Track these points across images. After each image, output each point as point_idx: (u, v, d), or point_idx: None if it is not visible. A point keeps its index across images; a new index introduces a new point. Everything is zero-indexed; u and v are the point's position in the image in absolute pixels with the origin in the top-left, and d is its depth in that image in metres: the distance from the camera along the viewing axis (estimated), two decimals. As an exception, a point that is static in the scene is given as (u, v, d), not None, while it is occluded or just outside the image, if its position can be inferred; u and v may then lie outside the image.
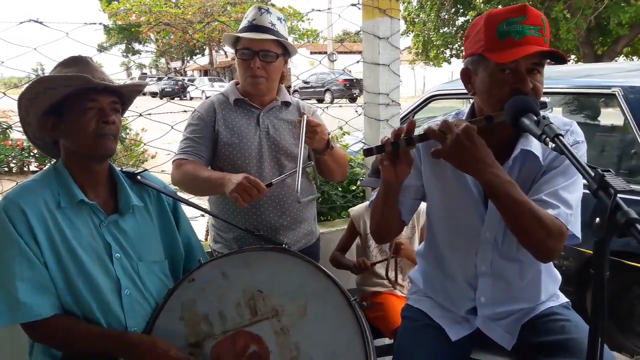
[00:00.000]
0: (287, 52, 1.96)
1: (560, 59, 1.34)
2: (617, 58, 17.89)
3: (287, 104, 2.04)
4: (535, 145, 1.36)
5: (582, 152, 1.39)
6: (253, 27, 1.89)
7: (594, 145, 3.33)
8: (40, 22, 1.93)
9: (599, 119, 3.45)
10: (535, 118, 1.15)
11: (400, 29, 2.48)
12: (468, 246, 1.49)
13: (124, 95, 1.50)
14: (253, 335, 1.42)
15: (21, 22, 1.90)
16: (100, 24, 2.05)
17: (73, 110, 1.38)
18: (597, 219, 0.90)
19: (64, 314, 1.37)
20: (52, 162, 1.50)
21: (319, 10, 2.64)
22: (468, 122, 1.29)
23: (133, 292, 1.46)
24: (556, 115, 1.51)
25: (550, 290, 1.53)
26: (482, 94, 1.38)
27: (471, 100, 1.51)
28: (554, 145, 1.06)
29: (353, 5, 2.49)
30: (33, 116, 1.40)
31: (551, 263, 1.52)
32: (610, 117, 3.31)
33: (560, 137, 1.05)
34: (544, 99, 1.35)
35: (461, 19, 19.54)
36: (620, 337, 2.87)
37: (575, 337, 1.38)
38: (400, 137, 1.31)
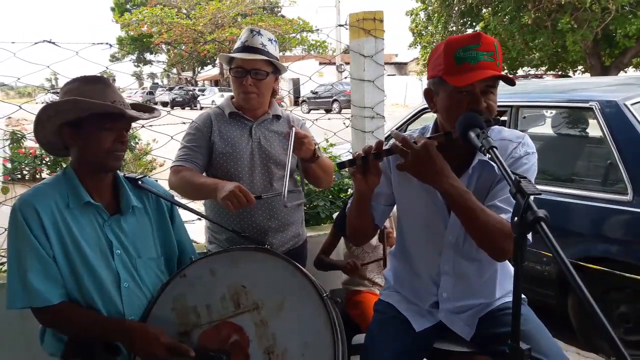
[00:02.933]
0: (277, 70, 2.14)
1: (511, 82, 1.50)
2: (625, 69, 17.90)
3: (277, 117, 2.22)
4: None
5: (532, 162, 1.55)
6: (245, 48, 2.07)
7: (575, 155, 3.48)
8: (53, 43, 2.13)
9: (584, 131, 3.59)
10: (478, 132, 1.32)
11: (384, 48, 2.66)
12: (433, 247, 1.65)
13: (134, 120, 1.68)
14: (235, 325, 1.58)
15: (35, 43, 2.10)
16: (107, 43, 2.25)
17: (94, 126, 1.54)
18: (516, 218, 1.06)
19: (69, 302, 1.54)
20: (62, 168, 1.68)
21: (311, 31, 2.82)
22: (428, 138, 1.46)
23: (131, 285, 1.62)
24: (511, 129, 1.67)
25: (506, 287, 1.68)
26: (442, 112, 1.55)
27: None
28: (489, 155, 1.23)
29: (341, 25, 2.68)
30: (52, 124, 1.55)
31: (507, 262, 1.67)
32: (590, 129, 3.45)
33: (494, 149, 1.22)
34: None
35: (469, 31, 19.70)
36: (598, 339, 2.99)
37: (526, 328, 1.52)
38: (369, 153, 1.48)
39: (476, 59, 1.44)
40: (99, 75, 1.67)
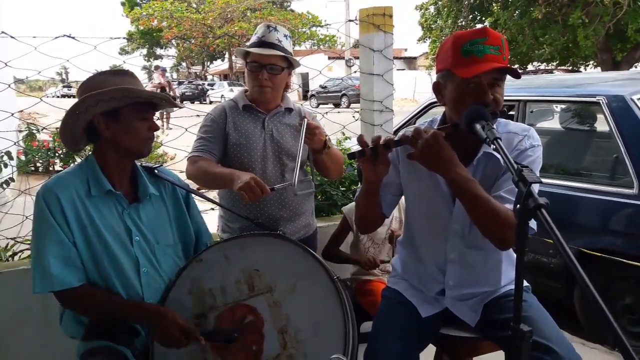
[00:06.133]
0: (291, 65, 2.21)
1: (516, 75, 1.55)
2: (637, 64, 17.74)
3: (290, 110, 2.28)
4: None
5: (537, 155, 1.60)
6: (262, 43, 2.14)
7: (582, 149, 3.51)
8: (73, 37, 2.21)
9: (591, 125, 3.62)
10: (484, 124, 1.38)
11: (393, 43, 2.72)
12: (439, 236, 1.71)
13: (158, 107, 1.76)
14: (250, 307, 1.65)
15: (56, 37, 2.17)
16: (124, 38, 2.32)
17: (132, 116, 1.63)
18: (518, 205, 1.12)
19: (89, 285, 1.61)
20: (84, 158, 1.74)
21: (322, 26, 2.88)
22: (437, 128, 1.52)
23: (150, 270, 1.69)
24: (517, 123, 1.72)
25: (510, 275, 1.74)
26: (450, 104, 1.61)
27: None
28: (494, 146, 1.28)
29: (351, 20, 2.74)
30: (89, 115, 1.61)
31: (511, 251, 1.73)
32: (597, 124, 3.48)
33: (498, 140, 1.27)
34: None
35: (479, 26, 19.56)
36: (604, 331, 3.03)
37: (529, 315, 1.58)
38: (379, 143, 1.55)
39: (483, 52, 1.49)
40: (123, 68, 1.74)
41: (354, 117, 2.87)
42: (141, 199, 1.73)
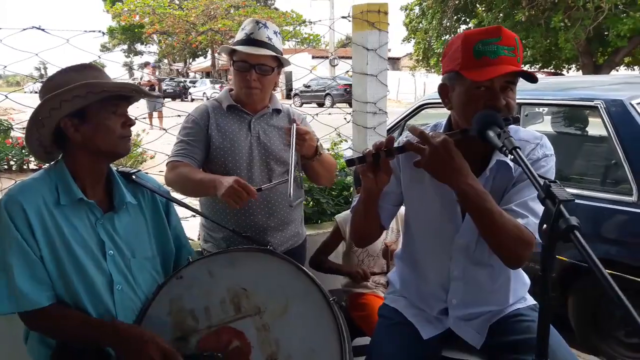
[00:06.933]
0: (281, 64, 2.05)
1: (532, 79, 1.42)
2: (617, 68, 17.97)
3: (277, 111, 2.13)
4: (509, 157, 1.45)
5: (550, 165, 1.48)
6: (250, 40, 1.96)
7: (579, 154, 3.43)
8: (42, 29, 2.02)
9: (586, 130, 3.54)
10: (499, 131, 1.25)
11: (388, 41, 2.58)
12: (442, 251, 1.57)
13: (131, 101, 1.60)
14: (236, 331, 1.50)
15: (24, 29, 1.99)
16: (100, 31, 2.14)
17: (100, 114, 1.47)
18: (545, 226, 0.99)
19: (58, 304, 1.45)
20: (53, 162, 1.57)
21: (312, 23, 2.73)
22: (445, 134, 1.38)
23: (125, 287, 1.53)
24: (528, 129, 1.60)
25: (519, 293, 1.62)
26: (458, 109, 1.47)
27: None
28: (512, 156, 1.15)
29: (344, 17, 2.59)
30: (53, 120, 1.45)
31: (520, 268, 1.60)
32: (594, 128, 3.40)
33: (518, 150, 1.14)
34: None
35: (463, 27, 19.66)
36: (598, 341, 2.95)
37: None
38: (381, 150, 1.40)
39: (496, 54, 1.36)
40: (87, 62, 1.58)
41: (345, 119, 2.73)
42: (117, 208, 1.57)
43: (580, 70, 18.17)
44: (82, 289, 1.47)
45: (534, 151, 1.46)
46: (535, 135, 1.52)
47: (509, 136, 1.19)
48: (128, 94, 1.52)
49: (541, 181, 1.01)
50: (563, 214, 0.94)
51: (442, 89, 1.52)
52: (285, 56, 2.03)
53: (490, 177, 1.47)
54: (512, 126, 1.52)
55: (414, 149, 1.38)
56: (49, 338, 1.52)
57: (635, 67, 19.17)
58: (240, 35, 2.01)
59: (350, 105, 2.78)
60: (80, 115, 1.46)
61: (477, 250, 1.52)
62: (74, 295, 1.46)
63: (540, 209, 1.40)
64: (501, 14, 17.28)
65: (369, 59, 2.53)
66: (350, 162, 1.47)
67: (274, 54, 1.96)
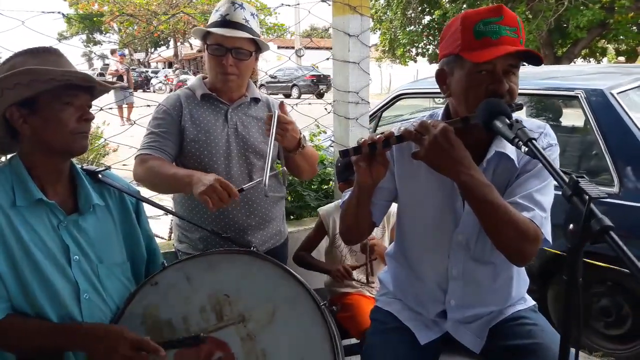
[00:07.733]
0: (259, 49, 1.91)
1: (536, 60, 1.32)
2: (575, 60, 18.43)
3: (256, 100, 1.99)
4: (509, 148, 1.35)
5: (555, 155, 1.40)
6: (226, 22, 1.81)
7: (559, 145, 3.41)
8: (-7, 9, 1.81)
9: (560, 120, 3.52)
10: (508, 121, 1.15)
11: (370, 27, 2.46)
12: (440, 248, 1.48)
13: (95, 93, 1.44)
14: (218, 341, 1.37)
15: (-29, 9, 1.77)
16: (60, 12, 1.94)
17: (52, 103, 1.31)
18: (571, 225, 0.89)
19: (15, 314, 1.30)
20: (8, 158, 1.41)
21: (289, 6, 2.59)
22: (445, 122, 1.28)
23: (93, 296, 1.39)
24: (529, 118, 1.51)
25: (520, 292, 1.54)
26: (457, 95, 1.37)
27: (437, 100, 1.50)
28: (526, 149, 1.05)
29: (323, 1, 2.45)
30: (1, 106, 1.30)
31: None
32: (571, 118, 3.39)
33: (534, 142, 1.05)
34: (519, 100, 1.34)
35: (427, 18, 19.76)
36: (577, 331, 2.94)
37: (542, 342, 1.38)
38: (379, 140, 1.29)
39: (498, 34, 1.26)
40: (47, 46, 1.40)
41: (326, 109, 2.60)
42: (82, 210, 1.41)
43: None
44: (44, 298, 1.31)
45: (538, 141, 1.37)
46: (538, 124, 1.43)
47: (522, 127, 1.09)
48: (80, 83, 1.34)
49: (566, 177, 0.92)
50: (595, 214, 0.85)
51: (440, 75, 1.41)
52: None
53: (488, 169, 1.38)
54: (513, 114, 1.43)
55: (412, 138, 1.27)
56: (6, 352, 1.34)
57: (592, 60, 19.68)
58: (214, 16, 1.85)
59: (318, 97, 2.65)
60: (29, 105, 1.30)
61: (478, 247, 1.43)
62: (36, 306, 1.31)
63: (546, 201, 1.33)
64: (464, 5, 17.40)
65: (350, 45, 2.40)
66: (344, 152, 1.35)
67: (251, 36, 1.82)
